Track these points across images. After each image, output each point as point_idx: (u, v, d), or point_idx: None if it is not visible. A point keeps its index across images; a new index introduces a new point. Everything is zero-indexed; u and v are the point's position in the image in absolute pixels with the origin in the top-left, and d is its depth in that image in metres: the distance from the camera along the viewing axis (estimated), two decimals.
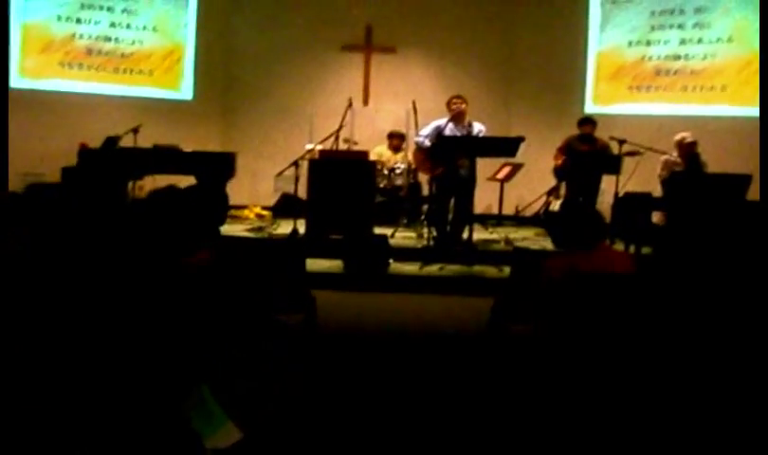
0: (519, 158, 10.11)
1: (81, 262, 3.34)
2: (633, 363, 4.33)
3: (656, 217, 9.24)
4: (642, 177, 9.52)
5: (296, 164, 9.95)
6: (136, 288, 3.12)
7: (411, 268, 8.85)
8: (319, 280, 8.01)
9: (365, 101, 13.15)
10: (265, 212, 12.10)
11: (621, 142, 9.35)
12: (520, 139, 8.84)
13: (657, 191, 9.47)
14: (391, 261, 8.77)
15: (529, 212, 12.26)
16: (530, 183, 12.08)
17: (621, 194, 9.17)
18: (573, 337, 4.56)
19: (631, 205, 8.79)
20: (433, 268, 8.81)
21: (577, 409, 4.31)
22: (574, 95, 12.68)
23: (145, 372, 3.06)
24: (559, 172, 10.98)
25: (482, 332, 5.89)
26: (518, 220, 12.27)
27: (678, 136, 9.25)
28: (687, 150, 9.16)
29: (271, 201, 11.91)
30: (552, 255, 5.23)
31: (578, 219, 4.83)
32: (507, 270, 8.45)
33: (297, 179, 9.99)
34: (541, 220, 11.69)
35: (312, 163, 9.73)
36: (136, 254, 3.27)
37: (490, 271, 8.75)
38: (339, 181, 9.51)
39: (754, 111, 11.23)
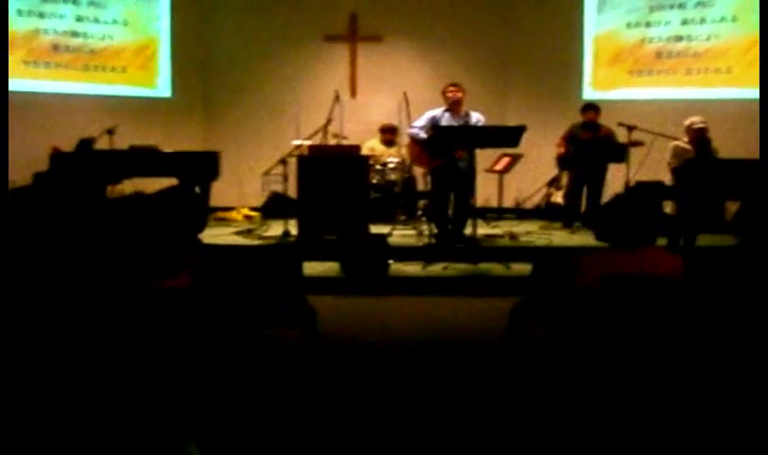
0: (517, 148, 9.52)
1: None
2: (678, 379, 3.81)
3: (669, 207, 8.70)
4: (649, 165, 8.97)
5: (283, 162, 9.43)
6: (98, 324, 2.57)
7: (413, 269, 8.33)
8: (314, 284, 7.53)
9: (352, 94, 12.59)
10: (253, 213, 11.59)
11: (630, 128, 8.82)
12: (521, 129, 8.32)
13: (666, 178, 8.93)
14: (391, 261, 8.20)
15: (530, 205, 11.88)
16: (529, 174, 11.63)
17: (632, 184, 8.61)
18: (609, 347, 4.01)
19: (643, 195, 8.23)
20: (437, 268, 8.29)
21: (612, 428, 3.79)
22: (572, 81, 12.17)
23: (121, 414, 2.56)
24: (562, 162, 10.56)
25: (498, 337, 5.30)
26: (518, 213, 11.88)
27: (688, 121, 8.70)
28: (698, 135, 8.61)
29: (260, 201, 11.38)
30: (587, 252, 4.62)
31: (625, 212, 4.24)
32: (515, 268, 8.16)
33: (285, 177, 9.46)
34: (543, 212, 11.38)
35: (301, 160, 9.13)
36: (100, 281, 2.70)
37: (497, 269, 8.28)
38: (331, 178, 8.93)
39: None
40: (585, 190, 10.50)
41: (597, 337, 4.16)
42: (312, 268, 8.05)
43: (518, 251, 8.86)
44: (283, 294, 4.87)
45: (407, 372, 5.47)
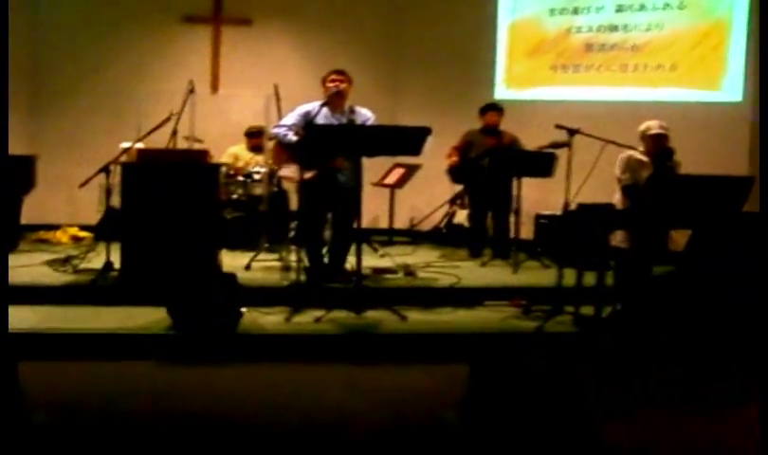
0: (414, 158, 7.82)
1: None
2: None
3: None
4: (591, 182, 6.97)
5: (106, 170, 7.09)
6: None
7: (273, 321, 6.15)
8: (133, 344, 5.65)
9: (214, 87, 10.69)
10: (84, 234, 9.53)
11: (572, 132, 6.71)
12: (426, 131, 6.20)
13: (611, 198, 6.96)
14: (244, 310, 6.01)
15: (427, 226, 10.25)
16: (427, 189, 10.08)
17: (572, 206, 6.58)
18: None
19: (589, 222, 6.24)
20: (307, 319, 6.14)
21: None
22: (481, 78, 10.36)
23: None
24: (455, 174, 8.97)
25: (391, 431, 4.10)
26: (413, 236, 10.21)
27: (643, 126, 6.71)
28: (657, 144, 6.61)
29: (96, 218, 9.07)
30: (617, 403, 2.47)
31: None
32: (413, 319, 6.27)
33: (108, 191, 7.18)
34: (444, 235, 9.80)
35: (126, 168, 6.82)
36: None
37: (388, 321, 6.20)
38: (166, 192, 6.66)
39: (712, 96, 9.18)
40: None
41: None
42: (135, 319, 6.00)
43: (416, 294, 6.95)
44: None
45: None
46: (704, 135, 8.68)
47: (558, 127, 6.85)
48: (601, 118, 8.41)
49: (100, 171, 7.12)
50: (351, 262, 6.84)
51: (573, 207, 6.71)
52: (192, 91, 8.24)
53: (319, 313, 6.16)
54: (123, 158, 7.16)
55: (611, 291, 6.22)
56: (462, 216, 9.62)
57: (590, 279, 6.21)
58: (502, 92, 10.20)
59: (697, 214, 5.90)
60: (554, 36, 10.01)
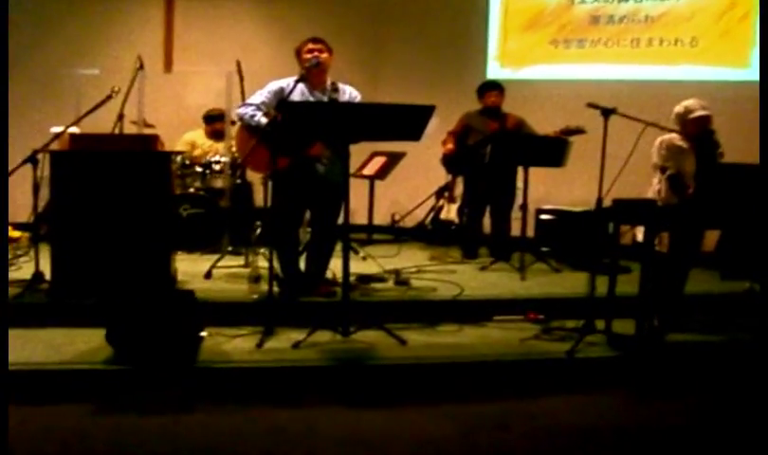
0: (396, 144, 7.58)
1: None
2: None
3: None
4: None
5: (33, 160, 5.87)
6: None
7: (242, 347, 4.97)
8: (60, 383, 4.43)
9: (167, 65, 9.74)
10: (19, 234, 8.43)
11: (607, 113, 5.53)
12: (428, 110, 5.04)
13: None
14: (204, 334, 4.85)
15: (411, 222, 9.47)
16: (410, 180, 9.30)
17: (605, 202, 5.48)
18: None
19: (624, 220, 5.20)
20: (282, 345, 4.97)
21: None
22: (471, 54, 9.55)
23: None
24: (451, 164, 8.11)
25: None
26: (396, 233, 9.37)
27: (681, 108, 5.69)
28: (699, 127, 5.57)
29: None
30: None
31: None
32: (413, 341, 5.14)
33: (36, 186, 5.95)
34: (431, 233, 8.89)
35: (54, 157, 5.62)
36: None
37: (385, 346, 5.03)
38: (106, 186, 5.48)
39: (738, 74, 8.29)
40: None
41: None
42: (67, 347, 4.82)
43: (413, 308, 5.80)
44: None
45: None
46: (730, 118, 7.62)
47: (590, 106, 5.68)
48: (610, 101, 7.40)
49: (26, 161, 5.90)
50: (332, 268, 5.84)
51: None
52: (140, 68, 7.71)
53: (297, 335, 5.01)
54: (55, 146, 5.96)
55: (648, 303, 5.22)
56: (452, 211, 8.65)
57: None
58: (495, 70, 9.36)
59: (753, 210, 4.86)
60: (554, 6, 9.19)
